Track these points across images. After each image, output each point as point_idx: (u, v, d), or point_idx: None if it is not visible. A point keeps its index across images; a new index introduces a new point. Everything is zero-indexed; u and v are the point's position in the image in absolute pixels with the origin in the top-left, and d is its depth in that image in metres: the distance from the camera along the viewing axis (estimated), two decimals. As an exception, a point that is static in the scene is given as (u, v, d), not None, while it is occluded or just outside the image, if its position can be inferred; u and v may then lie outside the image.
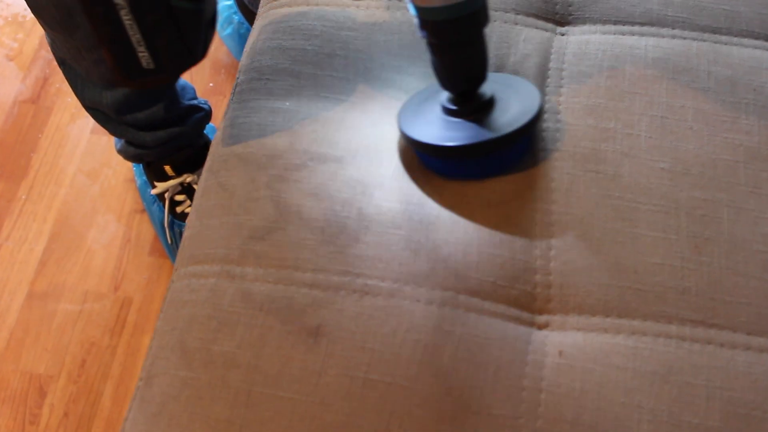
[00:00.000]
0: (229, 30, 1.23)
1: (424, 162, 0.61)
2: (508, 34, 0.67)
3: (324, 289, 0.56)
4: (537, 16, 0.69)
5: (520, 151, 0.61)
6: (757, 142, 0.61)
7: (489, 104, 0.59)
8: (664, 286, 0.56)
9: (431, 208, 0.59)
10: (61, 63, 0.90)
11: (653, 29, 0.67)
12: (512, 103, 0.59)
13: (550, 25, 0.69)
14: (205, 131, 1.05)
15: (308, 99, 0.66)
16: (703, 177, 0.60)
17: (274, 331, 0.55)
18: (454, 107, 0.59)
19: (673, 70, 0.64)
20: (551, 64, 0.66)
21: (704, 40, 0.67)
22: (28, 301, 1.07)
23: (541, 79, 0.65)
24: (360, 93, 0.66)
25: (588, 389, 0.52)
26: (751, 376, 0.53)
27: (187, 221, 0.64)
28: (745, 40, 0.67)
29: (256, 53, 0.71)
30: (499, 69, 0.66)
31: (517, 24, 0.68)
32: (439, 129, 0.59)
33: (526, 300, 0.57)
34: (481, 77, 0.59)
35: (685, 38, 0.67)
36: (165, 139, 0.99)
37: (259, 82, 0.69)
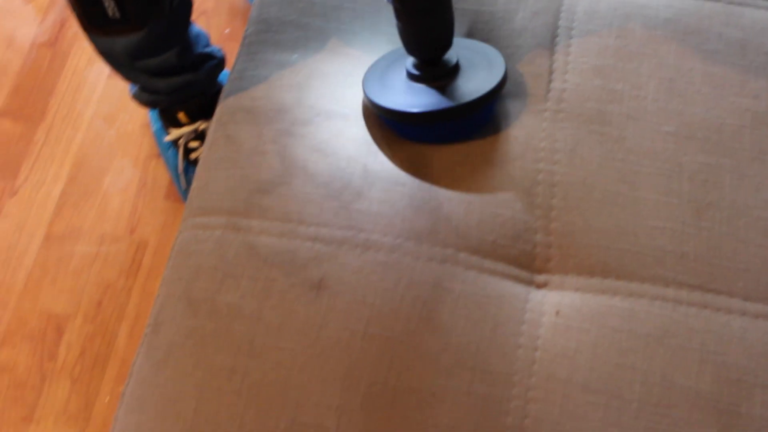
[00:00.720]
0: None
1: (389, 126, 0.61)
2: None
3: (327, 244, 0.57)
4: (549, -27, 0.68)
5: (485, 117, 0.61)
6: (765, 107, 0.61)
7: (453, 71, 0.59)
8: (663, 250, 0.56)
9: (435, 165, 0.60)
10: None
11: (667, -12, 0.67)
12: (478, 71, 0.59)
13: (562, -18, 0.68)
14: (218, 79, 1.05)
15: (315, 52, 0.67)
16: (708, 141, 0.60)
17: (277, 284, 0.56)
18: (417, 73, 0.59)
19: (683, 31, 0.64)
20: (561, 23, 0.65)
21: (717, 1, 0.66)
22: (46, 243, 1.10)
23: (550, 38, 0.64)
24: (366, 47, 0.66)
25: (582, 349, 0.54)
26: (745, 341, 0.54)
27: (195, 172, 0.65)
28: (759, 1, 0.66)
29: (264, 5, 0.71)
30: (507, 24, 0.65)
31: (529, -20, 0.68)
32: (402, 94, 0.59)
33: (526, 259, 0.58)
34: (446, 44, 0.59)
35: (698, -2, 0.66)
36: (178, 86, 0.99)
37: (267, 35, 0.69)
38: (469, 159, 0.59)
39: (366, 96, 0.61)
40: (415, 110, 0.58)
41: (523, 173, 0.59)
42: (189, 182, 1.07)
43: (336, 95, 0.63)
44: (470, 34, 0.65)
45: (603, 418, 0.51)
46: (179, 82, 0.98)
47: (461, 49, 0.60)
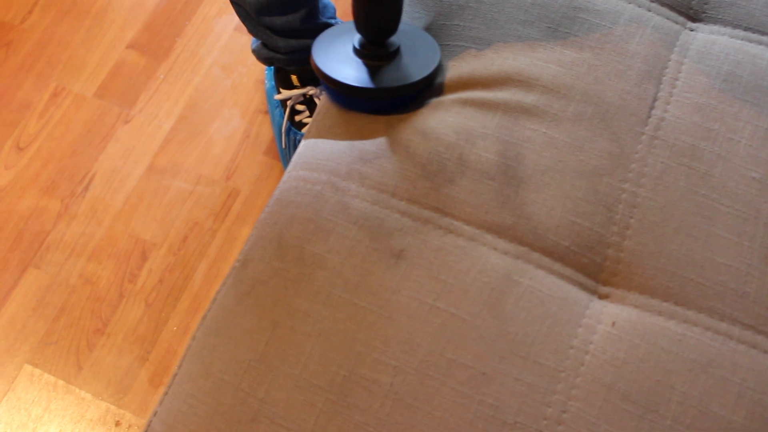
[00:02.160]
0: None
1: (324, 90, 0.69)
2: (640, 17, 0.70)
3: (414, 219, 0.62)
4: (671, 8, 0.71)
5: (407, 101, 0.68)
6: None
7: (393, 55, 0.66)
8: (726, 286, 0.59)
9: (526, 166, 0.63)
10: None
11: (781, 43, 0.69)
12: (415, 58, 0.67)
13: (681, 19, 0.71)
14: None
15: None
16: (792, 194, 0.62)
17: (362, 245, 0.61)
18: (361, 49, 0.67)
19: (790, 86, 0.66)
20: (673, 56, 0.68)
21: (830, 64, 0.68)
22: (147, 173, 1.17)
23: (659, 68, 0.67)
24: (481, 41, 0.70)
25: (630, 361, 0.57)
26: (786, 386, 0.56)
27: (306, 131, 0.71)
28: None
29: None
30: (623, 45, 0.68)
31: (650, 11, 0.71)
32: (344, 65, 0.67)
33: (594, 270, 0.61)
34: (390, 31, 0.65)
35: (811, 57, 0.68)
36: (296, 48, 1.05)
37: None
38: (561, 165, 0.63)
39: (312, 59, 0.68)
40: (347, 82, 0.65)
41: (608, 189, 0.63)
42: (289, 142, 1.13)
43: (445, 84, 0.67)
44: (584, 39, 0.68)
45: (636, 427, 0.55)
46: (298, 45, 1.04)
47: (407, 37, 0.68)
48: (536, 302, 0.59)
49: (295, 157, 0.69)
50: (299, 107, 1.12)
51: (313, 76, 1.11)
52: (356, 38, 0.67)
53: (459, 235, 0.61)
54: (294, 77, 1.10)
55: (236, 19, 1.28)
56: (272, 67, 1.17)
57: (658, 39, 0.69)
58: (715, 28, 0.70)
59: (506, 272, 0.60)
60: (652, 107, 0.66)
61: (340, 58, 0.67)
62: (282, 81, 1.12)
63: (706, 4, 0.72)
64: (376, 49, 0.66)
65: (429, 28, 0.71)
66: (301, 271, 0.61)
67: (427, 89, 0.68)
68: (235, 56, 1.26)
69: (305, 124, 1.12)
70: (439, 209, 0.62)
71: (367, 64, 0.67)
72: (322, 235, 0.62)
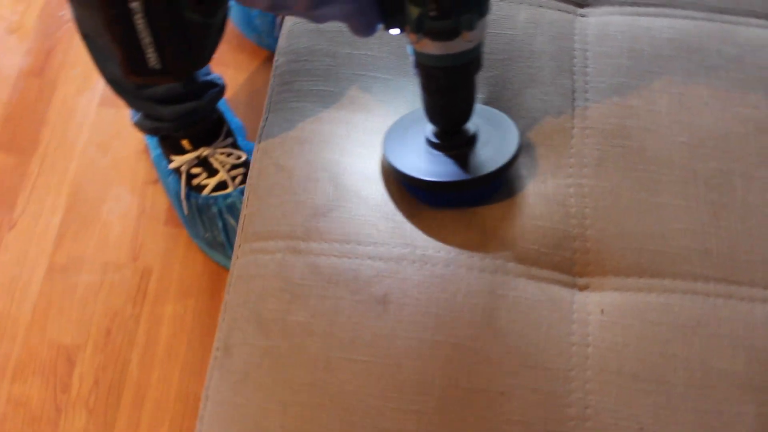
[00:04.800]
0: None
1: (404, 187, 0.65)
2: (535, 16, 0.72)
3: (386, 261, 0.62)
4: (559, -1, 0.74)
5: (498, 186, 0.65)
6: (765, 116, 0.68)
7: (471, 141, 0.63)
8: (689, 249, 0.63)
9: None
10: (85, 37, 0.93)
11: (666, 10, 0.73)
12: (493, 140, 0.63)
13: (570, 7, 0.74)
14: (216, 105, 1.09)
15: (347, 78, 0.71)
16: (717, 149, 0.66)
17: (345, 301, 0.60)
18: (437, 141, 0.63)
19: (686, 49, 0.70)
20: (576, 45, 0.71)
21: (713, 20, 0.73)
22: (49, 274, 1.11)
23: (568, 60, 0.70)
24: (395, 71, 0.70)
25: (629, 342, 0.59)
26: (768, 326, 0.60)
27: (244, 200, 0.69)
28: (751, 20, 0.73)
29: (294, 36, 0.75)
30: (527, 47, 0.71)
31: (541, 6, 0.73)
32: (421, 160, 0.63)
33: (567, 265, 0.63)
34: (466, 119, 0.62)
35: (695, 18, 0.73)
36: (182, 113, 1.02)
37: (298, 64, 0.73)
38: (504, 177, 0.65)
39: (386, 157, 0.64)
40: (432, 179, 0.62)
41: (555, 187, 0.65)
42: (191, 208, 1.10)
43: (377, 127, 0.67)
44: (492, 54, 0.70)
45: (654, 402, 0.57)
46: (183, 109, 1.01)
47: (476, 117, 0.63)
48: (527, 310, 0.60)
49: (243, 230, 0.67)
50: (195, 170, 1.09)
51: (204, 136, 1.08)
52: (428, 131, 0.64)
53: (435, 264, 0.62)
54: (185, 141, 1.07)
55: (99, 93, 1.23)
56: (154, 137, 1.13)
57: (557, 33, 0.72)
58: (604, 9, 0.74)
59: (490, 289, 0.61)
60: (573, 99, 0.68)
61: (419, 156, 0.63)
62: (172, 148, 1.09)
63: (588, -12, 0.75)
64: (454, 138, 0.63)
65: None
66: (291, 343, 0.59)
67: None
68: (107, 132, 1.21)
69: (204, 186, 1.09)
70: (408, 244, 0.62)
71: (452, 156, 0.63)
72: (300, 302, 0.61)
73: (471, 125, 0.63)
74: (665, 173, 0.65)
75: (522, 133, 0.65)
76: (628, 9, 0.74)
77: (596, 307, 0.61)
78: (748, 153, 0.66)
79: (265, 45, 1.27)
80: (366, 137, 0.67)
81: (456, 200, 0.64)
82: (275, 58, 0.76)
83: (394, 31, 0.56)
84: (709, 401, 0.57)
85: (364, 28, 0.55)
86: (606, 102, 0.68)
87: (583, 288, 0.63)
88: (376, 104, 0.69)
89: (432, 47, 0.56)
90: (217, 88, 1.05)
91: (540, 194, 0.64)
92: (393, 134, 0.66)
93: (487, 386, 0.57)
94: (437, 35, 0.55)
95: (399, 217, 0.63)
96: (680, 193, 0.65)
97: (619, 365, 0.59)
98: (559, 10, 0.74)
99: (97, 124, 1.21)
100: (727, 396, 0.58)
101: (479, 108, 0.65)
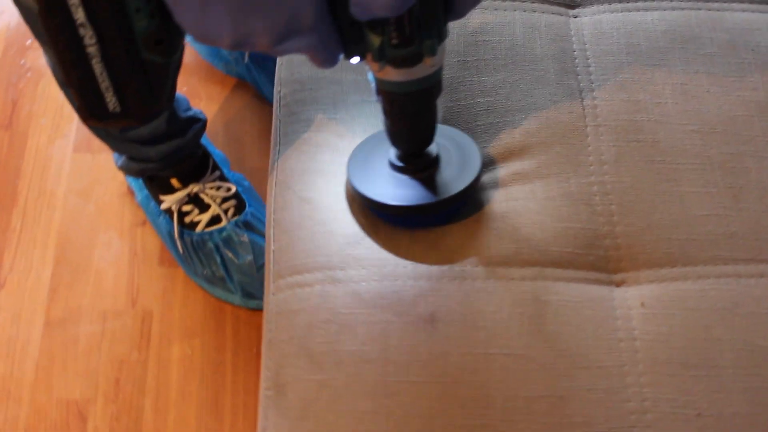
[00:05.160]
0: (193, 34, 1.24)
1: (371, 210, 0.65)
2: (531, 21, 0.74)
3: (427, 280, 0.62)
4: (549, 2, 0.76)
5: (465, 203, 0.65)
6: (765, 97, 0.70)
7: (435, 162, 0.64)
8: (715, 234, 0.65)
9: (500, 201, 0.65)
10: (61, 86, 0.92)
11: (654, 3, 0.75)
12: (455, 160, 0.64)
13: (562, 9, 0.76)
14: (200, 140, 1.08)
15: (355, 105, 0.71)
16: (727, 133, 0.68)
17: (393, 324, 0.60)
18: (401, 164, 0.63)
19: (680, 39, 0.72)
20: (575, 46, 0.73)
21: (699, 9, 0.75)
22: (47, 329, 1.08)
23: (570, 61, 0.72)
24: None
25: (673, 332, 0.61)
26: (801, 298, 0.62)
27: (268, 236, 0.69)
28: (734, 5, 0.75)
29: (294, 65, 0.75)
30: (529, 51, 0.72)
31: (535, 12, 0.75)
32: (387, 185, 0.63)
33: (602, 263, 0.64)
34: (429, 142, 0.63)
35: (683, 9, 0.75)
36: (168, 152, 1.01)
37: (303, 93, 0.73)
38: (529, 187, 0.66)
39: (351, 184, 0.64)
40: (398, 203, 0.62)
41: (579, 188, 0.66)
42: (185, 246, 1.08)
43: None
44: (496, 59, 0.71)
45: (707, 387, 0.59)
46: (169, 148, 1.00)
47: (438, 137, 0.64)
48: (571, 313, 0.61)
49: (275, 265, 0.66)
50: (186, 208, 1.08)
51: (192, 173, 1.07)
52: (392, 154, 0.64)
53: (474, 279, 0.62)
54: (174, 180, 1.05)
55: (71, 139, 1.20)
56: (139, 179, 1.11)
57: (555, 35, 0.73)
58: (594, 8, 0.76)
59: (533, 296, 0.62)
60: (582, 99, 0.70)
61: (384, 180, 0.63)
62: (160, 188, 1.07)
63: (576, -10, 0.77)
64: (418, 161, 0.63)
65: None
66: (347, 373, 0.59)
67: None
68: (87, 178, 1.19)
69: (197, 223, 1.07)
70: (446, 261, 0.63)
71: (417, 178, 0.63)
72: (348, 331, 0.61)
73: (433, 146, 0.64)
74: (681, 162, 0.67)
75: (482, 150, 0.66)
76: (617, 6, 0.75)
77: (636, 301, 0.63)
78: (755, 134, 0.68)
79: (235, 73, 1.27)
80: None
81: (425, 222, 0.64)
82: (276, 88, 0.75)
83: (355, 60, 0.56)
84: (759, 379, 0.59)
85: (326, 59, 0.54)
86: (613, 99, 0.70)
87: (620, 284, 0.64)
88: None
89: (394, 74, 0.55)
90: (200, 123, 1.04)
91: (565, 194, 0.65)
92: (356, 159, 0.66)
93: (546, 392, 0.58)
94: (399, 62, 0.54)
95: (432, 237, 0.64)
96: (699, 181, 0.66)
97: (668, 355, 0.60)
98: (553, 13, 0.75)
99: (74, 171, 1.19)
100: (774, 372, 0.60)
101: (439, 128, 0.65)
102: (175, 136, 1.00)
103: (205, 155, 1.09)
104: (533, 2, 0.75)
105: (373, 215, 0.65)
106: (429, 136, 0.63)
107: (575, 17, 0.75)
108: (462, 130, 0.68)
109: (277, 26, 0.50)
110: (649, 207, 0.65)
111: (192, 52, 1.28)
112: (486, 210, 0.65)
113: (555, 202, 0.65)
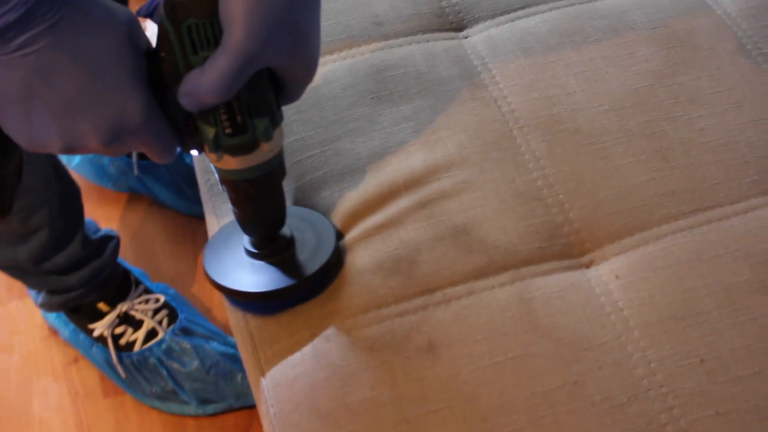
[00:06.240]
0: (77, 160, 1.21)
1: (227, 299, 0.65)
2: (428, 50, 0.77)
3: (413, 312, 0.62)
4: (439, 30, 0.79)
5: (323, 284, 0.65)
6: (656, 65, 0.75)
7: (289, 244, 0.64)
8: (658, 195, 0.68)
9: (458, 215, 0.66)
10: None
11: (533, 9, 0.80)
12: (309, 239, 0.64)
13: (451, 34, 0.79)
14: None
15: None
16: (637, 105, 0.73)
17: (395, 363, 0.60)
18: (255, 250, 0.63)
19: (567, 34, 0.77)
20: (475, 62, 0.76)
21: (573, 4, 0.80)
22: (2, 499, 1.00)
23: (477, 77, 0.75)
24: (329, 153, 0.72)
25: (653, 293, 0.63)
26: (750, 232, 0.66)
27: (241, 318, 0.67)
28: (602, -6, 0.81)
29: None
30: (435, 76, 0.74)
31: (429, 41, 0.78)
32: (243, 272, 0.63)
33: (567, 250, 0.67)
34: (280, 225, 0.63)
35: (559, 8, 0.80)
36: (89, 277, 0.98)
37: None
38: (481, 195, 0.68)
39: (208, 277, 0.64)
40: (259, 290, 0.62)
41: (525, 185, 0.68)
42: (127, 369, 1.04)
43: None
44: (409, 89, 0.73)
45: (702, 333, 0.61)
46: (90, 271, 0.97)
47: (289, 218, 0.64)
48: (557, 303, 0.63)
49: (251, 341, 0.65)
50: (118, 330, 1.03)
51: (118, 292, 1.03)
52: (246, 241, 0.63)
53: (458, 298, 0.63)
54: (101, 304, 1.01)
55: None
56: (60, 314, 1.06)
57: (454, 57, 0.76)
58: (480, 27, 0.80)
59: (519, 298, 0.63)
60: (499, 107, 0.73)
61: (243, 270, 0.63)
62: (87, 316, 1.03)
63: (459, 13, 0.81)
64: (273, 245, 0.63)
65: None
66: (364, 421, 0.58)
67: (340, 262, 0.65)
68: (3, 331, 1.12)
69: (134, 342, 1.03)
70: (426, 290, 0.63)
71: (273, 263, 0.63)
72: (353, 381, 0.60)
73: (286, 228, 0.64)
74: (607, 140, 0.71)
75: (334, 226, 0.66)
76: (501, 19, 0.80)
77: (610, 276, 0.65)
78: (661, 99, 0.73)
79: (126, 188, 1.24)
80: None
81: (289, 303, 0.64)
82: (204, 177, 0.75)
83: (194, 152, 0.56)
84: (741, 313, 0.62)
85: (163, 154, 0.54)
86: (527, 100, 0.73)
87: (589, 264, 0.66)
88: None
89: (233, 163, 0.56)
90: (114, 240, 1.01)
91: (515, 194, 0.67)
92: (212, 248, 0.66)
93: (560, 381, 0.59)
94: (236, 151, 0.54)
95: (404, 269, 0.64)
96: (628, 152, 0.70)
97: (656, 315, 0.62)
98: (445, 39, 0.78)
99: (-12, 326, 1.12)
100: (750, 303, 0.63)
101: (293, 210, 0.66)
102: (93, 258, 0.97)
103: (125, 272, 1.05)
104: (424, 33, 0.79)
105: (343, 264, 0.65)
106: (279, 220, 0.62)
107: (466, 38, 0.79)
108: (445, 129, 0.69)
109: (105, 125, 0.49)
110: (592, 187, 0.69)
111: (80, 178, 1.24)
112: (447, 225, 0.66)
113: (508, 204, 0.67)
